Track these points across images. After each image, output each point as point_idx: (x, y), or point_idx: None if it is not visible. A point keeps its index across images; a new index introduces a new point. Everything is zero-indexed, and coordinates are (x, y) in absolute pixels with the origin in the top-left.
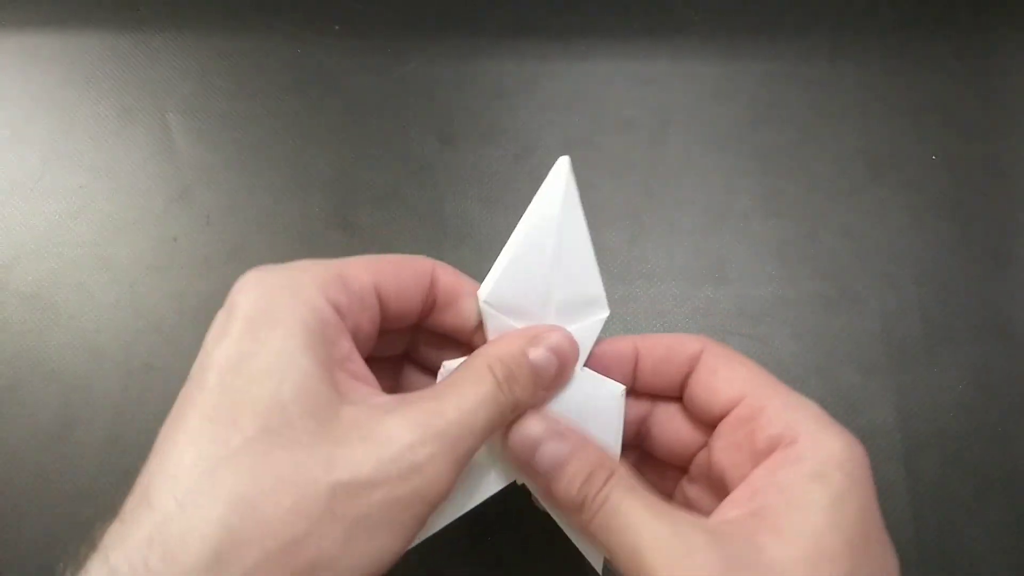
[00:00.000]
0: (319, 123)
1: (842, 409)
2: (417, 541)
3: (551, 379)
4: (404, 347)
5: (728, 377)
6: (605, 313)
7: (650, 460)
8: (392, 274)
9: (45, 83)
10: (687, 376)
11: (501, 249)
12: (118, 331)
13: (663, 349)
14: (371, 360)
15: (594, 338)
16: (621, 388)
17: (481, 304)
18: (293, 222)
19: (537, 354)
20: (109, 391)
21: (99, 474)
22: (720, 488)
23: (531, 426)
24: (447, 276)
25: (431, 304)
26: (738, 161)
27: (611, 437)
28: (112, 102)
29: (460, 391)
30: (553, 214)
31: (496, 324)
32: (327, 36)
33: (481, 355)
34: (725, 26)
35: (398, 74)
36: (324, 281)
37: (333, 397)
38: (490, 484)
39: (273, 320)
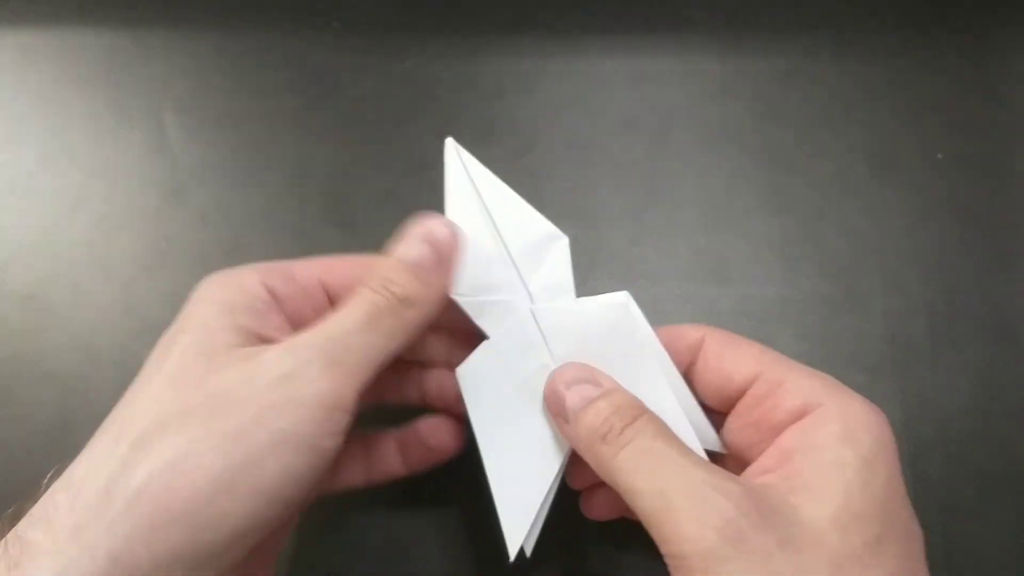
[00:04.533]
0: (317, 122)
1: None
2: (524, 545)
3: (434, 264)
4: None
5: (737, 359)
6: (564, 239)
7: None
8: (340, 271)
9: (40, 81)
10: (690, 367)
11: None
12: (114, 331)
13: (663, 340)
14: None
15: (568, 265)
16: (622, 294)
17: (456, 299)
18: (290, 221)
19: (405, 249)
20: (105, 391)
21: None
22: (739, 469)
23: (566, 372)
24: None
25: None
26: (740, 160)
27: (648, 348)
28: (107, 101)
29: (337, 310)
30: (467, 187)
31: (477, 309)
32: (325, 34)
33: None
34: (727, 24)
35: (398, 72)
36: (265, 270)
37: (233, 344)
38: (557, 456)
39: (205, 300)
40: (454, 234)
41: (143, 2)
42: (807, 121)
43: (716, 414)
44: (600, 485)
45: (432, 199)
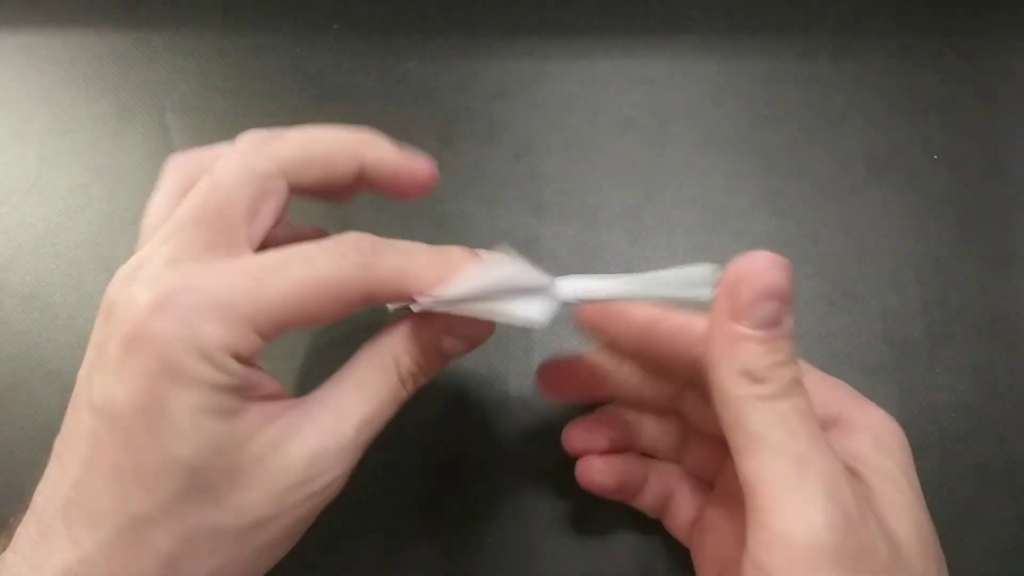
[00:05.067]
0: (318, 123)
1: None
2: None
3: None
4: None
5: None
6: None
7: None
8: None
9: (43, 82)
10: (699, 357)
11: (500, 248)
12: None
13: (670, 326)
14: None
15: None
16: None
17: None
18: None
19: (451, 344)
20: None
21: None
22: None
23: (776, 272)
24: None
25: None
26: (739, 161)
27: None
28: (110, 101)
29: (359, 394)
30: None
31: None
32: (326, 35)
33: (387, 345)
34: (726, 25)
35: (398, 74)
36: (226, 333)
37: (239, 439)
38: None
39: (175, 380)
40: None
41: (145, 3)
42: (805, 122)
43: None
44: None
45: (433, 200)
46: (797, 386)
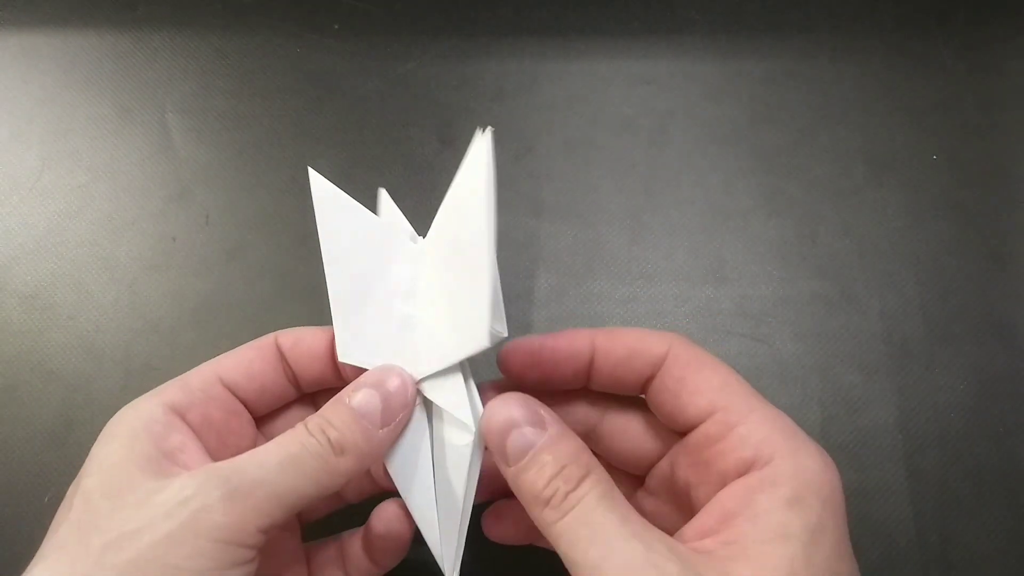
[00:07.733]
0: (318, 123)
1: (843, 409)
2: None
3: (378, 417)
4: None
5: (695, 389)
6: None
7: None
8: (234, 362)
9: (44, 83)
10: (649, 380)
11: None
12: (117, 331)
13: (623, 350)
14: None
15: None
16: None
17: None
18: (292, 222)
19: (356, 397)
20: (108, 391)
21: None
22: (684, 503)
23: (504, 408)
24: (290, 342)
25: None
26: (738, 161)
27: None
28: (111, 102)
29: (266, 445)
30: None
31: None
32: (327, 36)
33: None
34: (725, 25)
35: (398, 74)
36: (160, 390)
37: (137, 478)
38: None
39: (104, 439)
40: (407, 387)
41: (145, 4)
42: (804, 122)
43: (626, 477)
44: (506, 503)
45: (433, 200)
46: (577, 492)
